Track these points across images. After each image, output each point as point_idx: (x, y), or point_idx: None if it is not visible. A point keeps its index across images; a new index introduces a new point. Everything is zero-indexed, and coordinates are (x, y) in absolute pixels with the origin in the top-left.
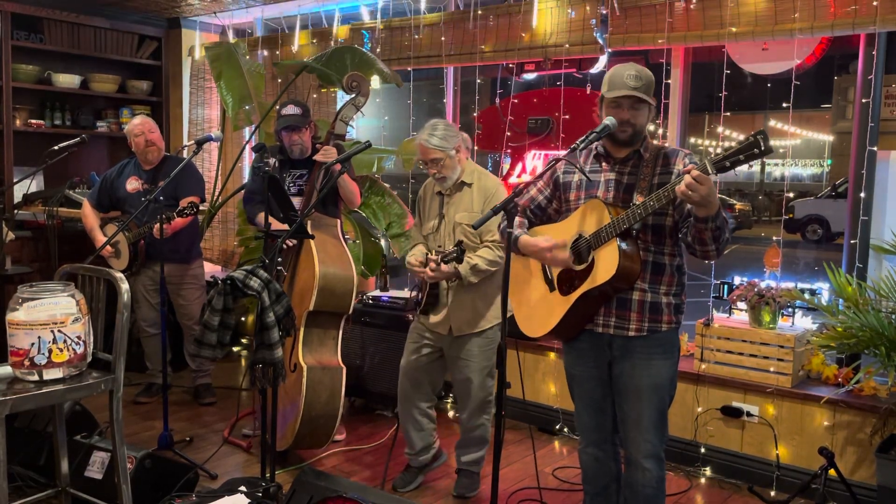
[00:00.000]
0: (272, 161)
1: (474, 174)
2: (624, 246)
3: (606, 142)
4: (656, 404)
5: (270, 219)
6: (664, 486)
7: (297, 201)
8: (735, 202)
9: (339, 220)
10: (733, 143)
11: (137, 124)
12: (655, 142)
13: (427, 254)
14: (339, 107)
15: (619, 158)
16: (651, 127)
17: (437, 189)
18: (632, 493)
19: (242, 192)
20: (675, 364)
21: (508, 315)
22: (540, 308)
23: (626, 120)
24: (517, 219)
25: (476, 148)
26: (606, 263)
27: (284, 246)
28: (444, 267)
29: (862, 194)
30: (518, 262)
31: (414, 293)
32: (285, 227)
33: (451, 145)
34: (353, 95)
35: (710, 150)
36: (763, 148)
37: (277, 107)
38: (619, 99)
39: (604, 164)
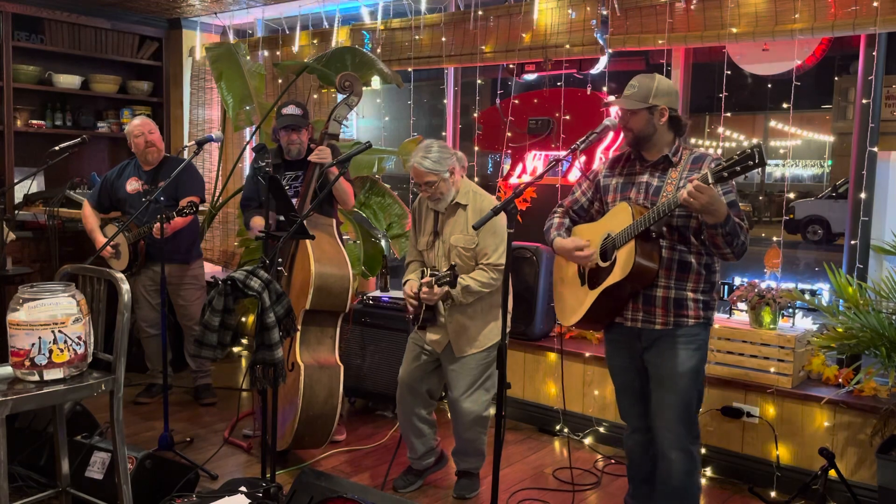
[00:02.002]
0: (267, 162)
1: (469, 195)
2: (640, 246)
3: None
4: (681, 394)
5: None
6: (694, 481)
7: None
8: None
9: (334, 219)
10: (734, 145)
11: (137, 125)
12: (703, 148)
13: (421, 276)
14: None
15: (650, 162)
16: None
17: (433, 206)
18: (661, 483)
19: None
20: (702, 359)
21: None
22: (573, 299)
23: (623, 125)
24: (557, 219)
25: (476, 148)
26: (624, 262)
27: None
28: (437, 289)
29: (862, 195)
30: (563, 257)
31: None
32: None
33: (444, 168)
34: (347, 95)
35: (711, 150)
36: (758, 160)
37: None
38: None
39: (638, 166)
